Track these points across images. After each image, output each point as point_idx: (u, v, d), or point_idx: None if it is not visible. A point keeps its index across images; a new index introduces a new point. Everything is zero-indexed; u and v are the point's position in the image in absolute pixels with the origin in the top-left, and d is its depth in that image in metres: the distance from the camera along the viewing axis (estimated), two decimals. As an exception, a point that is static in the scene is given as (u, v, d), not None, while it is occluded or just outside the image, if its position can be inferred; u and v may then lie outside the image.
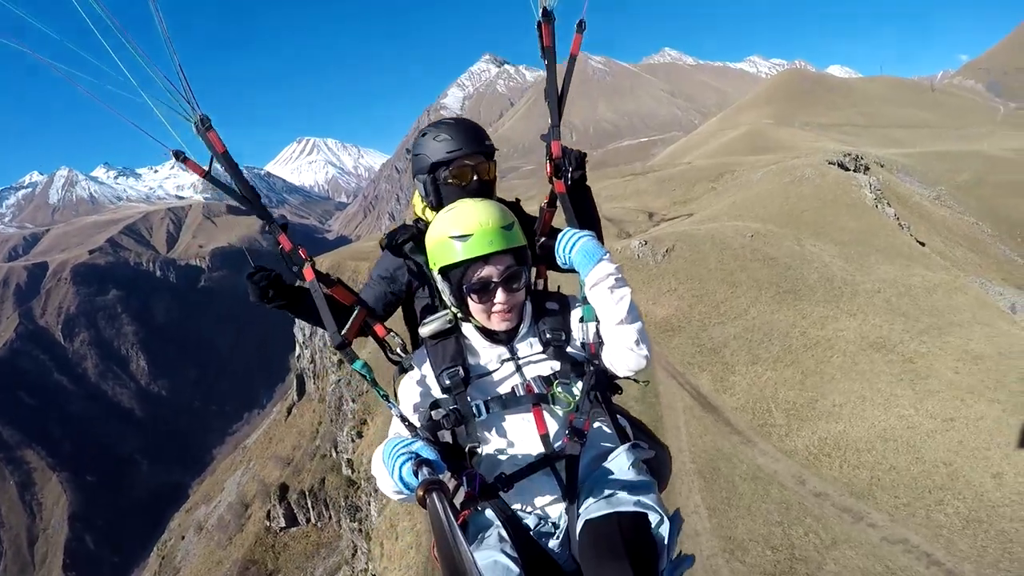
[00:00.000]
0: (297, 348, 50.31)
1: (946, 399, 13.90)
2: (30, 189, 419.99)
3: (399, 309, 2.99)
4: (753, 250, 20.96)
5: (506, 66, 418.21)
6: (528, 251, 2.30)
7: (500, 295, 2.18)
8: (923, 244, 23.86)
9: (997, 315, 16.50)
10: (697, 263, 21.22)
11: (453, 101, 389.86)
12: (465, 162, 2.64)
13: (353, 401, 32.22)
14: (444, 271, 2.23)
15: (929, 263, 20.37)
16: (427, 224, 2.61)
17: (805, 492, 12.88)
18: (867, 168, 33.82)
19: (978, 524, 11.00)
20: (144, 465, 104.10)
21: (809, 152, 36.75)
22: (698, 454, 14.78)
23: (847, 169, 31.09)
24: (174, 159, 2.20)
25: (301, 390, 50.24)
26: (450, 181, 2.65)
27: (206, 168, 2.27)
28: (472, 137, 2.68)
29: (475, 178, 2.66)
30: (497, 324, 2.24)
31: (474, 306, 2.23)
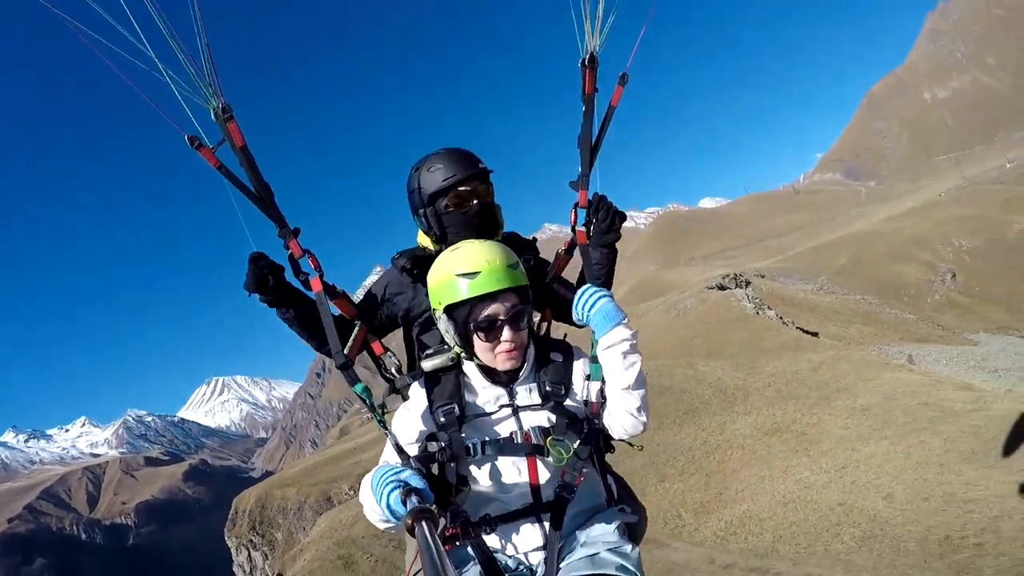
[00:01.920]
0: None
1: (838, 452, 13.62)
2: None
3: (399, 331, 2.96)
4: (649, 386, 21.08)
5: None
6: (530, 291, 2.29)
7: (507, 333, 2.17)
8: (815, 334, 24.80)
9: (881, 369, 16.93)
10: None
11: None
12: (463, 187, 2.61)
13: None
14: (449, 309, 2.21)
15: (817, 346, 21.05)
16: (430, 252, 2.68)
17: (715, 568, 11.62)
18: (748, 283, 35.79)
19: (873, 539, 10.19)
20: None
21: (694, 284, 39.32)
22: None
23: (727, 288, 33.02)
24: (189, 144, 2.12)
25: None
26: (451, 209, 2.62)
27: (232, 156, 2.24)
28: (465, 161, 2.65)
29: (475, 202, 2.64)
30: (503, 363, 2.22)
31: (480, 344, 2.20)
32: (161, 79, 1.93)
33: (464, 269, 2.14)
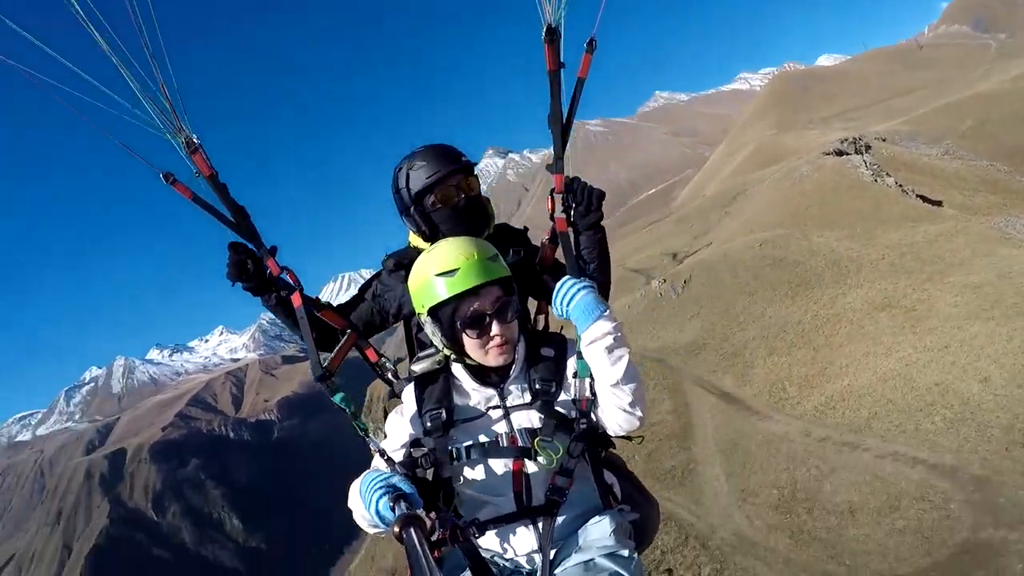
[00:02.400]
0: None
1: (944, 331, 14.04)
2: (92, 384, 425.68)
3: (400, 330, 2.96)
4: (763, 257, 21.78)
5: (511, 155, 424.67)
6: (514, 283, 2.22)
7: (495, 327, 2.11)
8: (938, 203, 23.40)
9: (999, 243, 16.33)
10: (714, 285, 22.37)
11: None
12: (448, 183, 2.59)
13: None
14: (433, 311, 2.15)
15: (936, 217, 20.11)
16: (421, 251, 2.50)
17: (810, 441, 13.29)
18: (868, 147, 33.56)
19: (961, 422, 11.16)
20: None
21: (814, 149, 37.06)
22: (720, 439, 15.45)
23: (845, 155, 31.14)
24: (163, 180, 2.17)
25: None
26: (439, 206, 2.60)
27: (206, 188, 2.26)
28: (448, 157, 2.63)
29: (462, 196, 2.62)
30: (495, 359, 2.16)
31: (470, 342, 2.14)
32: (127, 120, 1.99)
33: (441, 268, 2.10)
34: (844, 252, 19.77)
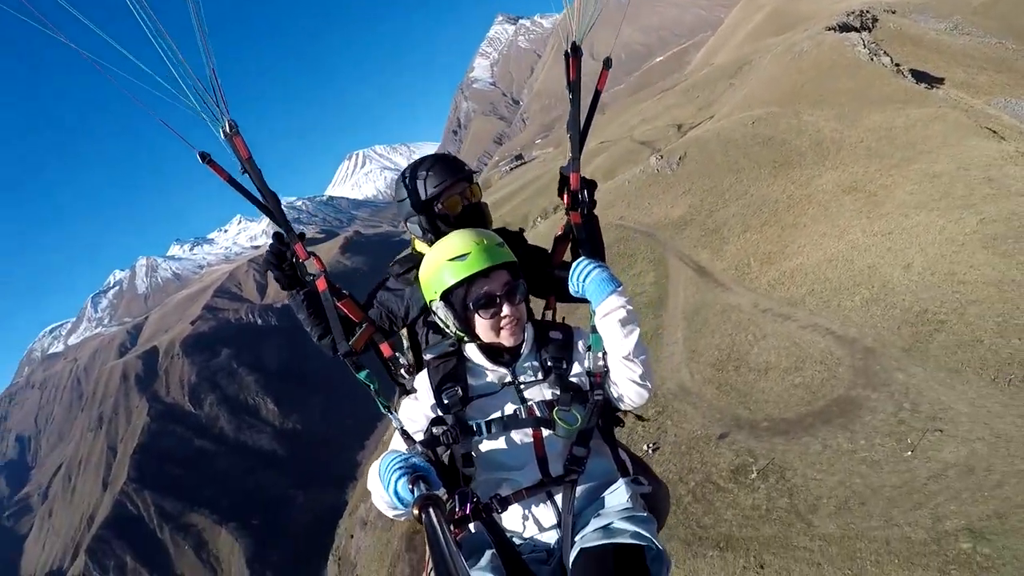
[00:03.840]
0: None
1: (892, 217, 15.44)
2: (117, 287, 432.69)
3: (404, 334, 3.08)
4: (754, 135, 22.53)
5: (521, 21, 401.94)
6: (519, 267, 2.36)
7: (506, 307, 2.24)
8: (941, 80, 23.37)
9: (972, 133, 17.04)
10: (706, 162, 23.37)
11: (481, 71, 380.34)
12: (454, 191, 2.78)
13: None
14: (446, 295, 2.26)
15: (923, 100, 20.32)
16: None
17: (755, 311, 15.41)
18: (875, 19, 32.43)
19: (874, 303, 13.07)
20: (300, 496, 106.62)
21: (824, 19, 35.51)
22: (687, 308, 17.64)
23: (852, 29, 30.10)
24: (200, 160, 2.26)
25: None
26: (445, 212, 2.79)
27: (237, 169, 2.34)
28: (452, 167, 2.83)
29: (466, 203, 2.82)
30: (507, 338, 2.28)
31: (482, 323, 2.26)
32: (173, 104, 2.10)
33: (453, 254, 2.23)
34: (828, 133, 20.47)
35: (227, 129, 2.29)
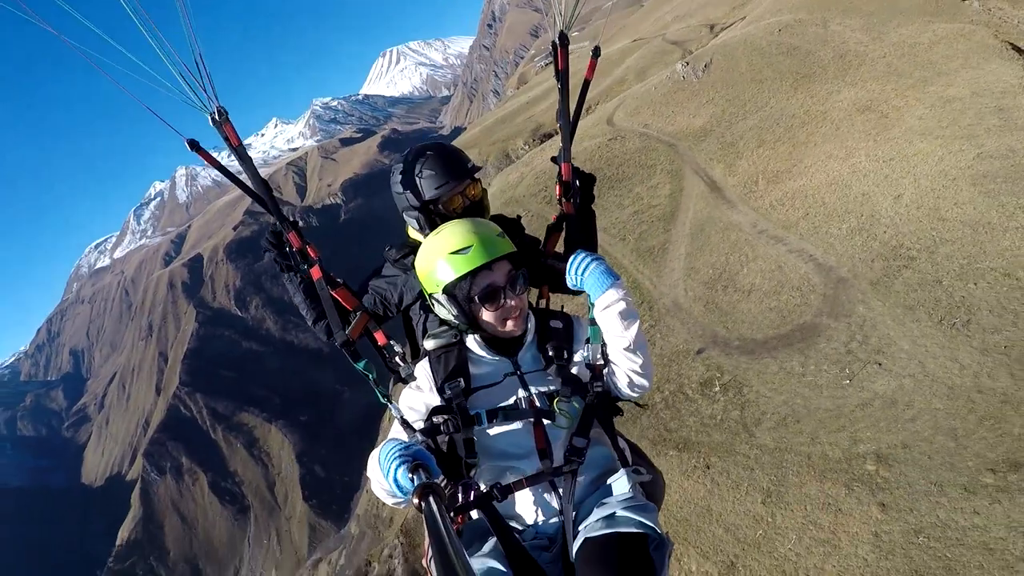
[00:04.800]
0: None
1: (897, 142, 15.47)
2: (158, 198, 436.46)
3: (399, 320, 3.10)
4: (779, 44, 21.73)
5: None
6: (521, 256, 2.39)
7: (511, 299, 2.29)
8: None
9: (996, 55, 16.46)
10: (731, 70, 22.78)
11: None
12: (456, 191, 2.78)
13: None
14: (449, 288, 2.28)
15: (955, 13, 19.11)
16: (420, 243, 2.64)
17: (753, 232, 16.18)
18: None
19: (858, 232, 13.69)
20: (346, 393, 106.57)
21: None
22: (694, 223, 18.31)
23: None
24: (188, 148, 2.25)
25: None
26: (444, 211, 2.80)
27: (223, 156, 2.39)
28: (454, 167, 2.79)
29: (466, 204, 2.82)
30: (511, 328, 2.34)
31: (487, 314, 2.30)
32: (161, 90, 2.09)
33: (456, 246, 2.25)
34: (853, 45, 19.68)
35: (216, 116, 2.32)
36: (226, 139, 2.34)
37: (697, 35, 34.47)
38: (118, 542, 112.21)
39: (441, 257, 2.28)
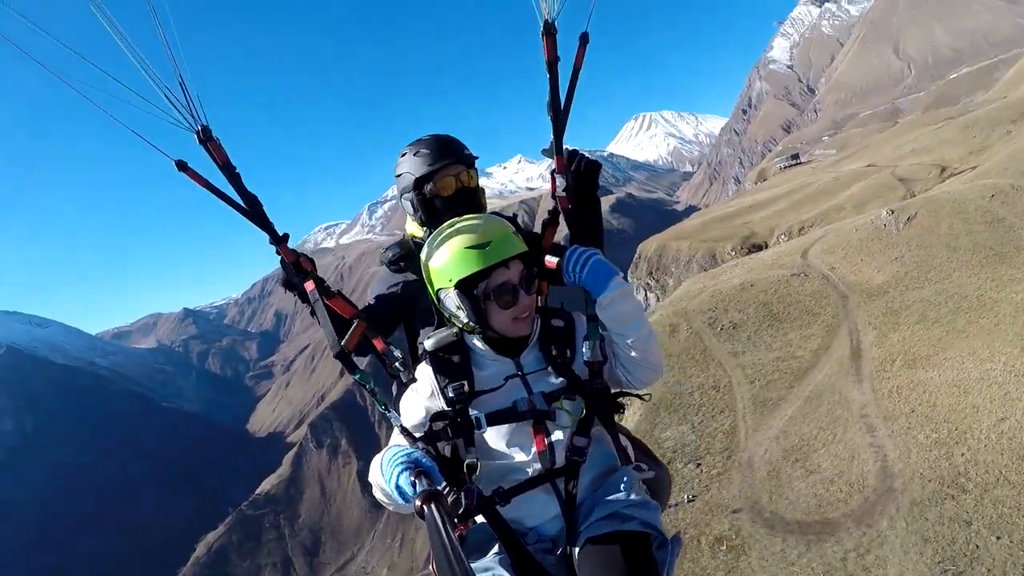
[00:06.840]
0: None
1: None
2: (394, 200, 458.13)
3: (400, 325, 3.12)
4: (985, 211, 19.57)
5: (827, 4, 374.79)
6: (532, 256, 2.39)
7: (523, 298, 2.30)
8: None
9: None
10: (931, 229, 21.19)
11: (780, 52, 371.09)
12: (447, 173, 2.85)
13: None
14: (463, 284, 2.25)
15: None
16: (417, 240, 2.90)
17: (856, 414, 15.54)
18: None
19: (939, 447, 12.77)
20: None
21: None
22: (816, 387, 18.14)
23: None
24: (176, 168, 2.21)
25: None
26: (436, 193, 2.86)
27: (219, 175, 2.27)
28: (451, 148, 2.89)
29: (459, 187, 2.87)
30: (522, 329, 2.34)
31: (500, 313, 2.29)
32: (141, 108, 2.03)
33: (474, 241, 2.23)
34: None
35: (200, 134, 2.22)
36: (212, 157, 2.27)
37: (926, 175, 31.22)
38: (258, 491, 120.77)
39: (457, 251, 2.25)
